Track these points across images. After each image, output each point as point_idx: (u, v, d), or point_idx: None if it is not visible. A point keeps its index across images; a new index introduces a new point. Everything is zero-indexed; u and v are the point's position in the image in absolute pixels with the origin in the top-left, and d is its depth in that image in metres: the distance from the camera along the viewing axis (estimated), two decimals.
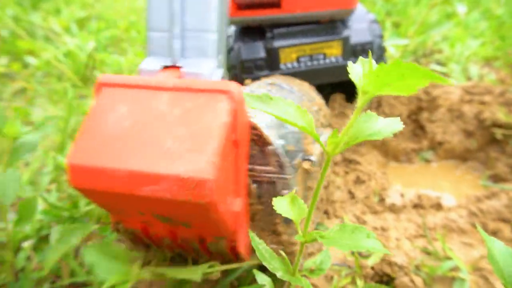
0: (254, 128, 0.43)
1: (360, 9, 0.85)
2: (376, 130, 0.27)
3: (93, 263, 0.42)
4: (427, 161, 0.91)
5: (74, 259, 0.62)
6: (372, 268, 0.56)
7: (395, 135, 0.91)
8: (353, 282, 0.55)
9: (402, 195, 0.72)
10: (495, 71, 1.03)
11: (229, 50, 0.83)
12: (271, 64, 0.79)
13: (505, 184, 0.78)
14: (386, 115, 0.89)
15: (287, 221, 0.47)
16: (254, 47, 0.80)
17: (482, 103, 0.88)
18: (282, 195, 0.40)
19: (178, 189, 0.35)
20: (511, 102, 0.88)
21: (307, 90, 0.65)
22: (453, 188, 0.83)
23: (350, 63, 0.25)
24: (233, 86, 0.40)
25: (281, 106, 0.26)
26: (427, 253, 0.60)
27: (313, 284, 0.54)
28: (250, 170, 0.45)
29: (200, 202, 0.35)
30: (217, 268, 0.46)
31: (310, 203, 0.30)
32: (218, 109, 0.38)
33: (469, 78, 1.00)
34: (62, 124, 1.06)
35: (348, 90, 0.94)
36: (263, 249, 0.35)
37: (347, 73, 0.89)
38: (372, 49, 0.80)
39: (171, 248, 0.49)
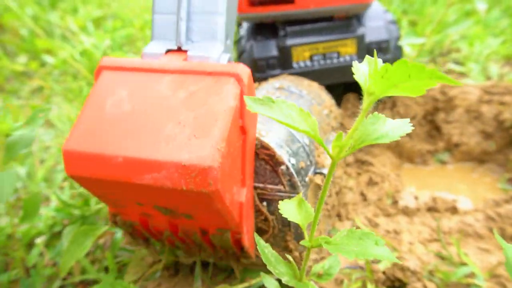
0: (266, 147, 0.43)
1: (378, 8, 0.83)
2: (384, 133, 0.26)
3: None
4: (443, 163, 0.89)
5: (85, 256, 0.63)
6: (384, 272, 0.55)
7: (409, 136, 0.89)
8: (364, 286, 0.54)
9: (416, 198, 0.70)
10: None
11: (242, 52, 0.82)
12: (283, 62, 0.78)
13: None
14: (401, 116, 0.87)
15: (298, 238, 0.46)
16: (266, 46, 0.79)
17: (502, 103, 0.85)
18: None
19: (179, 178, 0.32)
20: None
21: (317, 92, 0.64)
22: (469, 191, 0.81)
23: (355, 63, 0.24)
24: (241, 68, 0.37)
25: (284, 109, 0.25)
26: (441, 258, 0.58)
27: None
28: (262, 188, 0.45)
29: (203, 191, 0.33)
30: None
31: (316, 207, 0.29)
32: (225, 93, 0.35)
33: (488, 78, 0.97)
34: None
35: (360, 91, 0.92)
36: (269, 253, 0.35)
37: None
38: (388, 48, 0.78)
39: (172, 242, 0.47)
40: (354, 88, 0.95)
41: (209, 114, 0.34)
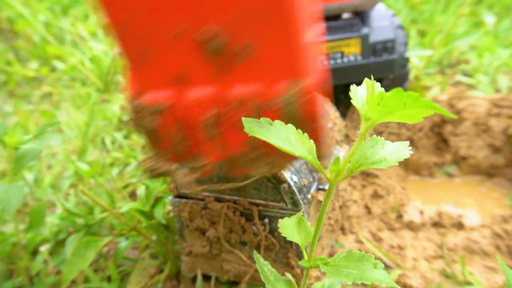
0: None
1: (385, 11, 0.81)
2: (382, 157, 0.25)
3: None
4: (450, 175, 0.87)
5: (88, 265, 0.63)
6: None
7: (416, 148, 0.88)
8: None
9: (421, 212, 0.69)
10: None
11: None
12: None
13: None
14: (408, 128, 0.86)
15: (300, 255, 0.46)
16: None
17: (511, 117, 0.84)
18: None
19: None
20: None
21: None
22: (477, 206, 0.79)
23: (353, 87, 0.24)
24: None
25: (282, 132, 0.25)
26: (446, 276, 0.57)
27: None
28: (264, 205, 0.45)
29: None
30: None
31: (315, 229, 0.29)
32: None
33: (497, 90, 0.95)
34: (84, 128, 1.08)
35: None
36: (268, 272, 0.35)
37: (366, 73, 0.84)
38: (394, 48, 0.76)
39: (210, 139, 0.32)
40: None
41: None
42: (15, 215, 0.57)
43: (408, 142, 0.27)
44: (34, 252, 0.68)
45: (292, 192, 0.43)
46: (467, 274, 0.55)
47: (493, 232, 0.64)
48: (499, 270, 0.58)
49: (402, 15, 1.41)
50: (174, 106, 0.31)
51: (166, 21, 0.28)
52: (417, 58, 0.87)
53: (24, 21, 1.44)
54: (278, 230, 0.42)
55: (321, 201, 0.47)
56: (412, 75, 1.02)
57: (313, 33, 0.31)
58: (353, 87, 0.25)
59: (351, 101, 0.24)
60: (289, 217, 0.44)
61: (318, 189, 0.49)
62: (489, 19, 0.74)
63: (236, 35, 0.28)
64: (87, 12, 1.89)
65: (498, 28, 1.20)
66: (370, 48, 0.75)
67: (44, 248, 0.65)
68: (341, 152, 0.60)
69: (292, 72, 0.29)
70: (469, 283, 0.55)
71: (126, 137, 1.05)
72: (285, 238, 0.41)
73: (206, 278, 0.57)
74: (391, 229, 0.67)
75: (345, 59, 0.75)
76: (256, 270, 0.49)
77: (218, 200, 0.49)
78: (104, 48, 1.53)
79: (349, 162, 0.25)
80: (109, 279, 0.62)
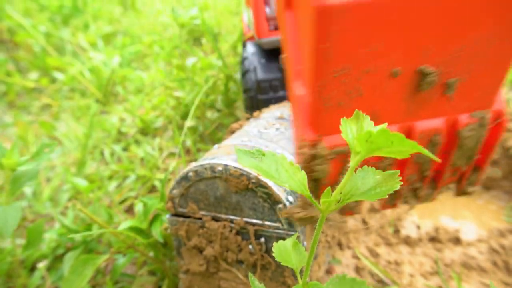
0: (264, 186, 0.43)
1: None
2: (372, 188, 0.26)
3: None
4: (448, 187, 0.88)
5: (87, 283, 0.63)
6: None
7: None
8: None
9: (418, 227, 0.70)
10: None
11: (245, 72, 0.83)
12: (286, 84, 0.79)
13: None
14: None
15: (296, 275, 0.46)
16: (269, 68, 0.80)
17: (508, 130, 0.84)
18: None
19: None
20: None
21: None
22: (474, 218, 0.80)
23: (343, 120, 0.25)
24: None
25: (273, 162, 0.26)
26: None
27: None
28: (260, 225, 0.45)
29: None
30: None
31: (308, 256, 0.30)
32: None
33: None
34: (83, 140, 1.09)
35: None
36: None
37: None
38: None
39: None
40: None
41: None
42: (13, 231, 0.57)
43: (398, 172, 0.27)
44: (32, 269, 0.68)
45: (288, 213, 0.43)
46: None
47: (490, 247, 0.64)
48: (496, 286, 0.59)
49: None
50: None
51: (382, 63, 0.29)
52: None
53: (24, 33, 1.45)
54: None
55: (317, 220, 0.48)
56: None
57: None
58: (343, 120, 0.25)
59: (342, 135, 0.24)
60: (285, 237, 0.45)
61: None
62: None
63: (448, 71, 0.29)
64: (88, 22, 1.90)
65: None
66: None
67: (42, 265, 0.65)
68: None
69: (488, 102, 0.32)
70: None
71: (124, 149, 1.06)
72: None
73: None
74: (388, 244, 0.67)
75: None
76: None
77: (215, 219, 0.49)
78: (103, 59, 1.54)
79: (340, 193, 0.26)
80: None
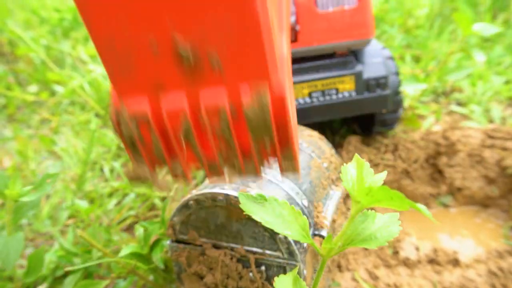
0: None
1: (375, 45, 0.85)
2: (372, 234, 0.26)
3: None
4: (446, 206, 0.88)
5: None
6: None
7: (411, 179, 0.89)
8: None
9: (417, 248, 0.70)
10: None
11: None
12: None
13: None
14: (403, 159, 0.87)
15: None
16: None
17: (505, 149, 0.85)
18: None
19: None
20: None
21: (317, 143, 0.65)
22: (472, 237, 0.80)
23: (344, 167, 0.25)
24: None
25: (276, 208, 0.26)
26: None
27: None
28: (261, 254, 0.46)
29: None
30: None
31: None
32: None
33: (491, 120, 0.97)
34: (83, 155, 1.09)
35: (363, 124, 0.94)
36: None
37: (360, 108, 0.89)
38: (386, 84, 0.79)
39: (189, 142, 0.32)
40: (356, 123, 0.96)
41: None
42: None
43: (398, 215, 0.27)
44: None
45: (288, 243, 0.44)
46: None
47: (488, 270, 0.65)
48: None
49: (397, 40, 1.43)
50: (152, 115, 0.32)
51: (136, 32, 0.29)
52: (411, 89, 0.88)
53: (25, 47, 1.46)
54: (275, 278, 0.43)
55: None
56: (406, 103, 1.04)
57: (282, 46, 0.32)
58: (343, 168, 0.26)
59: (343, 183, 0.25)
60: (285, 266, 0.45)
61: (314, 235, 0.49)
62: (479, 57, 0.76)
63: (201, 42, 0.29)
64: (88, 34, 1.92)
65: (490, 55, 1.22)
66: (364, 85, 0.77)
67: None
68: (336, 192, 0.60)
69: (256, 73, 0.30)
70: None
71: (124, 165, 1.06)
72: None
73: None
74: (387, 266, 0.67)
75: (340, 95, 0.77)
76: None
77: (215, 247, 0.49)
78: (103, 72, 1.55)
79: (341, 239, 0.26)
80: None
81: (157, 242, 0.55)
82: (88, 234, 0.65)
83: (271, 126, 0.30)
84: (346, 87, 0.78)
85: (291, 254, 0.44)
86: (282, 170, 0.32)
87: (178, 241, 0.52)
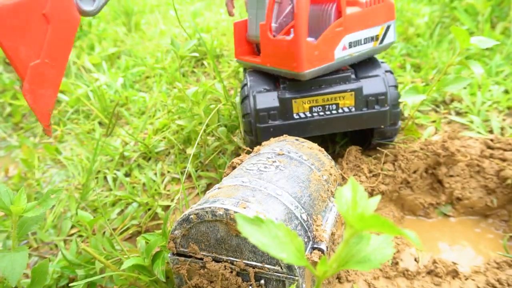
0: None
1: (373, 59, 0.86)
2: (366, 256, 0.27)
3: None
4: (446, 216, 0.89)
5: None
6: None
7: (411, 189, 0.89)
8: None
9: (416, 260, 0.71)
10: None
11: (245, 97, 0.85)
12: (284, 114, 0.81)
13: None
14: (402, 170, 0.88)
15: None
16: (268, 97, 0.82)
17: (504, 159, 0.86)
18: None
19: None
20: None
21: (317, 155, 0.66)
22: (472, 247, 0.81)
23: (338, 190, 0.26)
24: None
25: (272, 230, 0.27)
26: None
27: None
28: (260, 268, 0.47)
29: None
30: None
31: None
32: None
33: (490, 130, 0.98)
34: (87, 164, 1.11)
35: (362, 136, 0.95)
36: None
37: (360, 123, 0.91)
38: (385, 100, 0.80)
39: None
40: (356, 136, 0.97)
41: None
42: None
43: (392, 237, 0.28)
44: None
45: None
46: None
47: (487, 281, 0.65)
48: None
49: (398, 49, 1.45)
50: None
51: None
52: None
53: None
54: None
55: (316, 262, 0.49)
56: (406, 113, 1.05)
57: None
58: (338, 192, 0.27)
59: (337, 207, 0.26)
60: (284, 280, 0.46)
61: (313, 248, 0.50)
62: (477, 70, 0.77)
63: None
64: (93, 43, 1.94)
65: (489, 64, 1.23)
66: (363, 101, 0.79)
67: None
68: (335, 204, 0.61)
69: None
70: None
71: (127, 174, 1.08)
72: None
73: None
74: (387, 277, 0.68)
75: (340, 110, 0.79)
76: None
77: (215, 260, 0.50)
78: (107, 80, 1.57)
79: (336, 261, 0.27)
80: None
81: (158, 254, 0.56)
82: (91, 245, 0.66)
83: None
84: (346, 103, 0.79)
85: (290, 268, 0.45)
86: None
87: (179, 254, 0.53)
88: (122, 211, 0.94)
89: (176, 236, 0.51)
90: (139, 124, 1.28)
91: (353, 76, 0.80)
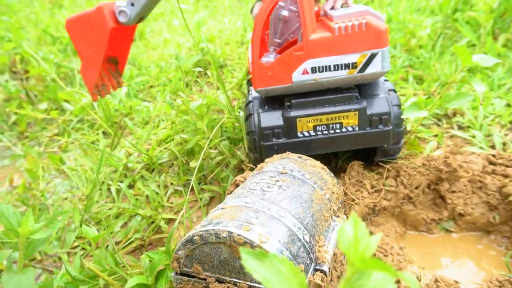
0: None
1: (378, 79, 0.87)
2: None
3: None
4: (448, 231, 0.89)
5: None
6: None
7: (414, 204, 0.90)
8: None
9: (418, 278, 0.71)
10: None
11: (249, 115, 0.86)
12: (288, 132, 0.82)
13: None
14: (405, 185, 0.88)
15: None
16: (272, 116, 0.83)
17: (506, 176, 0.86)
18: None
19: None
20: None
21: (319, 173, 0.67)
22: (474, 264, 0.81)
23: (341, 229, 0.27)
24: None
25: (275, 264, 0.28)
26: None
27: None
28: None
29: None
30: None
31: None
32: None
33: (492, 145, 0.98)
34: (91, 176, 1.12)
35: (365, 153, 0.95)
36: None
37: (363, 142, 0.92)
38: (389, 120, 0.81)
39: None
40: (359, 154, 0.98)
41: None
42: None
43: (390, 277, 0.29)
44: None
45: None
46: None
47: None
48: None
49: (400, 61, 1.45)
50: None
51: None
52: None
53: (37, 68, 1.50)
54: None
55: (318, 284, 0.49)
56: (408, 127, 1.05)
57: None
58: (340, 229, 0.27)
59: (339, 244, 0.27)
60: None
61: (316, 270, 0.51)
62: (479, 88, 0.77)
63: None
64: None
65: (492, 76, 1.24)
66: (367, 120, 0.80)
67: None
68: (338, 223, 0.62)
69: None
70: None
71: (131, 185, 1.08)
72: None
73: None
74: None
75: (344, 129, 0.80)
76: None
77: (219, 281, 0.51)
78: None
79: None
80: None
81: (162, 273, 0.57)
82: (95, 261, 0.67)
83: None
84: (350, 122, 0.80)
85: None
86: None
87: (182, 274, 0.53)
88: (125, 223, 0.95)
89: (180, 256, 0.52)
90: (143, 134, 1.29)
91: (357, 95, 0.81)
